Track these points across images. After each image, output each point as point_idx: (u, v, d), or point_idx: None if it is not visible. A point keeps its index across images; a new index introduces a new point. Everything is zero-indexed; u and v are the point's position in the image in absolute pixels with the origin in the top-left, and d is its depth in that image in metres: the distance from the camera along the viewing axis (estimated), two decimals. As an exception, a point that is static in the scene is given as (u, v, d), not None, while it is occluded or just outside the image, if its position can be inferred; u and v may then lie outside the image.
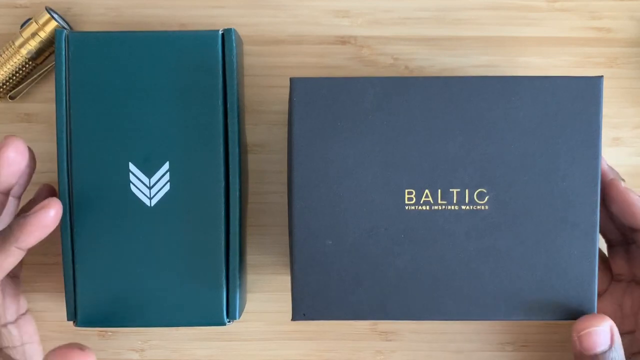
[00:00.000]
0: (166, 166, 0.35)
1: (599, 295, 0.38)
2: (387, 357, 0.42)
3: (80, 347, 0.30)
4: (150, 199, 0.35)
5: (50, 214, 0.33)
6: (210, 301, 0.36)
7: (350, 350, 0.42)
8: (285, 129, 0.41)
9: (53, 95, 0.36)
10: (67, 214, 0.35)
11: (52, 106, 0.36)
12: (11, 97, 0.40)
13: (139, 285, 0.36)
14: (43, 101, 0.41)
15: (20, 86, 0.40)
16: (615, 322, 0.34)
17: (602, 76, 0.34)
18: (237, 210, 0.36)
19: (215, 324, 0.36)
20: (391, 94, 0.33)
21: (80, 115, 0.35)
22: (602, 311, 0.37)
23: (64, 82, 0.35)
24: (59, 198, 0.35)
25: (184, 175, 0.35)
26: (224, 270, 0.36)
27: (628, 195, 0.35)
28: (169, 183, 0.35)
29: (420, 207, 0.34)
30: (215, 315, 0.36)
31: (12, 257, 0.33)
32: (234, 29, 0.35)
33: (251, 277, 0.42)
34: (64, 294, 0.36)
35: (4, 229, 0.33)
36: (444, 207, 0.34)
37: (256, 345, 0.42)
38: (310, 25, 0.41)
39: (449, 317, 0.34)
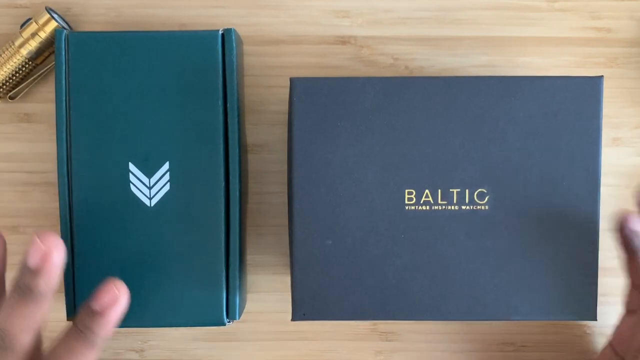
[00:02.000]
0: (166, 166, 0.35)
1: (635, 312, 0.37)
2: (387, 357, 0.42)
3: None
4: (150, 199, 0.35)
5: (122, 304, 0.33)
6: (210, 301, 0.36)
7: (350, 350, 0.42)
8: (285, 129, 0.41)
9: (53, 95, 0.36)
10: (67, 214, 0.35)
11: (52, 106, 0.36)
12: (11, 97, 0.40)
13: (139, 286, 0.36)
14: (43, 101, 0.41)
15: (20, 86, 0.40)
16: None
17: (602, 76, 0.34)
18: (237, 210, 0.36)
19: (215, 324, 0.36)
20: (391, 94, 0.33)
21: (80, 115, 0.35)
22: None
23: (64, 82, 0.35)
24: (59, 198, 0.35)
25: (184, 175, 0.35)
26: (224, 270, 0.36)
27: None
28: (169, 183, 0.35)
29: (420, 207, 0.34)
30: (215, 315, 0.36)
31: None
32: (234, 29, 0.35)
33: (251, 277, 0.42)
34: (63, 293, 0.36)
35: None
36: (444, 207, 0.34)
37: (256, 345, 0.42)
38: (310, 25, 0.41)
39: (449, 317, 0.34)
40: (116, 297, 0.32)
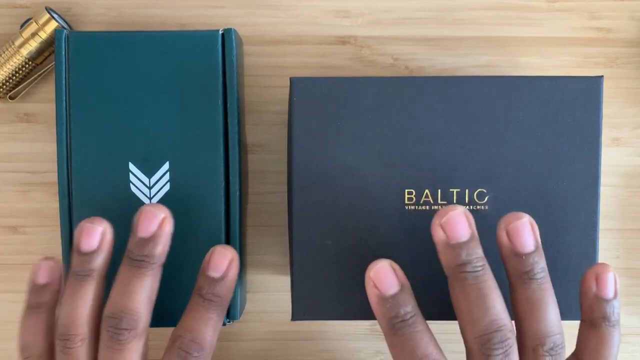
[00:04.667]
0: (166, 166, 0.35)
1: None
2: (387, 357, 0.42)
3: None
4: (151, 198, 0.35)
5: None
6: (210, 301, 0.36)
7: (350, 350, 0.42)
8: (285, 129, 0.41)
9: (53, 95, 0.36)
10: (67, 215, 0.35)
11: (52, 106, 0.36)
12: (11, 97, 0.40)
13: (139, 285, 0.35)
14: (43, 101, 0.41)
15: (20, 86, 0.40)
16: None
17: (602, 76, 0.34)
18: (237, 210, 0.36)
19: (215, 324, 0.36)
20: (391, 94, 0.33)
21: (80, 115, 0.35)
22: None
23: (64, 82, 0.35)
24: (59, 198, 0.35)
25: (184, 175, 0.35)
26: (224, 270, 0.36)
27: None
28: (169, 183, 0.35)
29: (420, 207, 0.34)
30: (215, 315, 0.36)
31: None
32: (234, 29, 0.35)
33: (251, 277, 0.42)
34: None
35: None
36: (444, 207, 0.34)
37: (256, 345, 0.42)
38: (310, 25, 0.41)
39: (449, 317, 0.34)
40: (231, 257, 0.33)
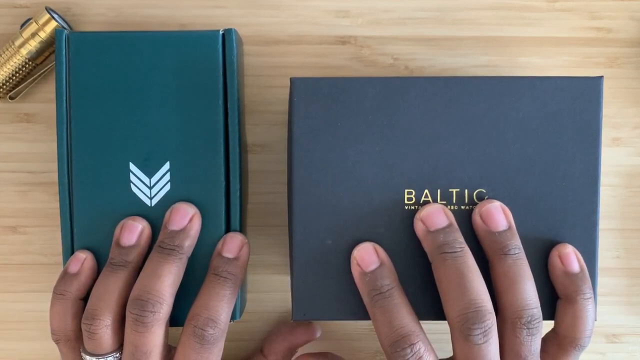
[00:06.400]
0: (166, 166, 0.35)
1: None
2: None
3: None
4: (151, 198, 0.35)
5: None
6: (211, 301, 0.36)
7: (350, 350, 0.42)
8: (285, 129, 0.41)
9: (53, 95, 0.36)
10: (68, 214, 0.36)
11: (52, 106, 0.36)
12: (11, 97, 0.40)
13: (139, 285, 0.35)
14: (43, 101, 0.41)
15: (20, 86, 0.40)
16: None
17: (602, 76, 0.34)
18: (237, 210, 0.36)
19: (215, 324, 0.36)
20: (391, 94, 0.33)
21: (80, 115, 0.35)
22: None
23: (64, 82, 0.35)
24: (59, 198, 0.35)
25: (184, 175, 0.35)
26: (224, 270, 0.36)
27: None
28: (169, 183, 0.35)
29: (420, 207, 0.34)
30: (216, 315, 0.36)
31: None
32: (234, 29, 0.35)
33: (251, 277, 0.42)
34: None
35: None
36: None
37: (256, 345, 0.42)
38: (310, 25, 0.41)
39: (449, 317, 0.34)
40: (243, 241, 0.35)
